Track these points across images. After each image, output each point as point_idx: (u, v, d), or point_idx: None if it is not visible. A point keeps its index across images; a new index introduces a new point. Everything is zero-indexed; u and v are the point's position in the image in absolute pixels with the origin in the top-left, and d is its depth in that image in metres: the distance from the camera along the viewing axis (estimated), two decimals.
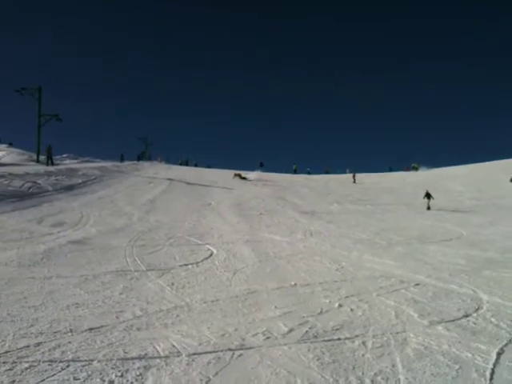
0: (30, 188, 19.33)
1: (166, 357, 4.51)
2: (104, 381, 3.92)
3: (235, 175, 37.47)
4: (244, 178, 36.79)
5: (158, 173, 36.46)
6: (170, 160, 60.37)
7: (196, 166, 58.31)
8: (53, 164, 31.78)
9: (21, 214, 14.55)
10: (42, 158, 35.36)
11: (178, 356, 4.54)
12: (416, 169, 54.54)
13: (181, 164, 58.85)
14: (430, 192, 23.42)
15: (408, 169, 55.94)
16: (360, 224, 16.70)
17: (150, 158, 60.82)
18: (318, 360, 4.55)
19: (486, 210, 21.81)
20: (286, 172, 55.63)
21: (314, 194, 29.10)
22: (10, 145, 45.39)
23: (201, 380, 4.02)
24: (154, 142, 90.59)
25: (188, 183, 30.49)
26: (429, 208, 22.59)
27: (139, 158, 57.07)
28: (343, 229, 15.35)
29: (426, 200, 23.24)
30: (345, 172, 56.60)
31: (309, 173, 57.08)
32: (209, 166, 57.50)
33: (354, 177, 42.44)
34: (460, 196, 27.99)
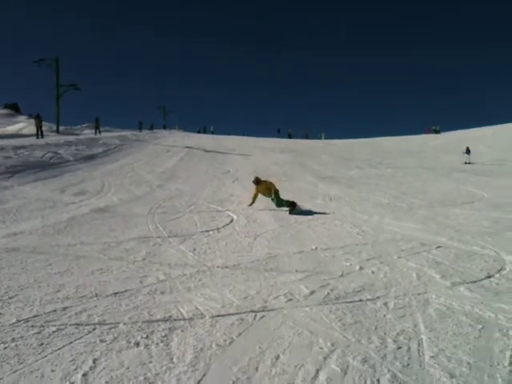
0: (51, 158, 19.59)
1: (190, 319, 4.59)
2: (130, 342, 4.00)
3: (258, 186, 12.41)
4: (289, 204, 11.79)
5: (176, 141, 36.55)
6: (187, 128, 60.42)
7: (213, 133, 58.14)
8: (100, 133, 35.18)
9: (43, 183, 14.79)
10: (62, 128, 35.70)
11: (201, 318, 4.62)
12: (437, 131, 53.55)
13: (199, 132, 58.79)
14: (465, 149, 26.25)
15: (429, 131, 54.91)
16: (381, 188, 16.59)
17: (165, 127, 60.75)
18: (339, 321, 4.58)
19: (510, 171, 21.46)
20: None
21: (334, 159, 28.89)
22: (30, 116, 45.69)
23: (224, 340, 4.08)
24: (172, 109, 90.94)
25: (206, 151, 30.49)
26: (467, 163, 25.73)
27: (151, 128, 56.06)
28: (364, 193, 15.27)
29: (466, 155, 26.40)
30: (319, 137, 56.07)
31: (289, 136, 56.35)
32: (229, 134, 57.21)
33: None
34: (483, 158, 27.50)
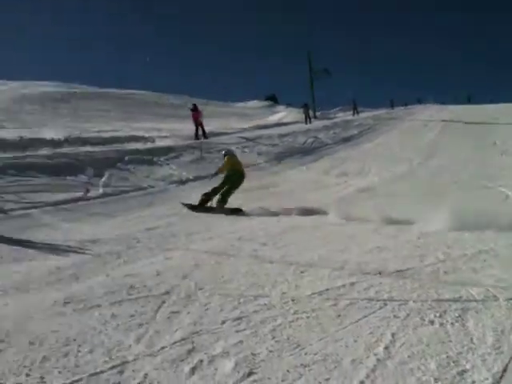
0: (312, 143, 20.90)
1: (483, 300, 4.38)
2: (424, 320, 4.02)
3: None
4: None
5: (432, 115, 34.91)
6: (445, 101, 57.11)
7: (469, 102, 53.61)
8: (358, 114, 37.03)
9: (307, 167, 15.96)
10: (318, 113, 37.68)
11: (495, 300, 4.36)
12: None
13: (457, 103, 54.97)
14: None
15: None
16: None
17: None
18: None
19: None
20: None
21: None
22: (289, 105, 49.53)
23: None
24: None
25: (465, 123, 28.41)
26: None
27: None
28: None
29: None
30: None
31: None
32: (490, 101, 52.01)
33: None
34: None
